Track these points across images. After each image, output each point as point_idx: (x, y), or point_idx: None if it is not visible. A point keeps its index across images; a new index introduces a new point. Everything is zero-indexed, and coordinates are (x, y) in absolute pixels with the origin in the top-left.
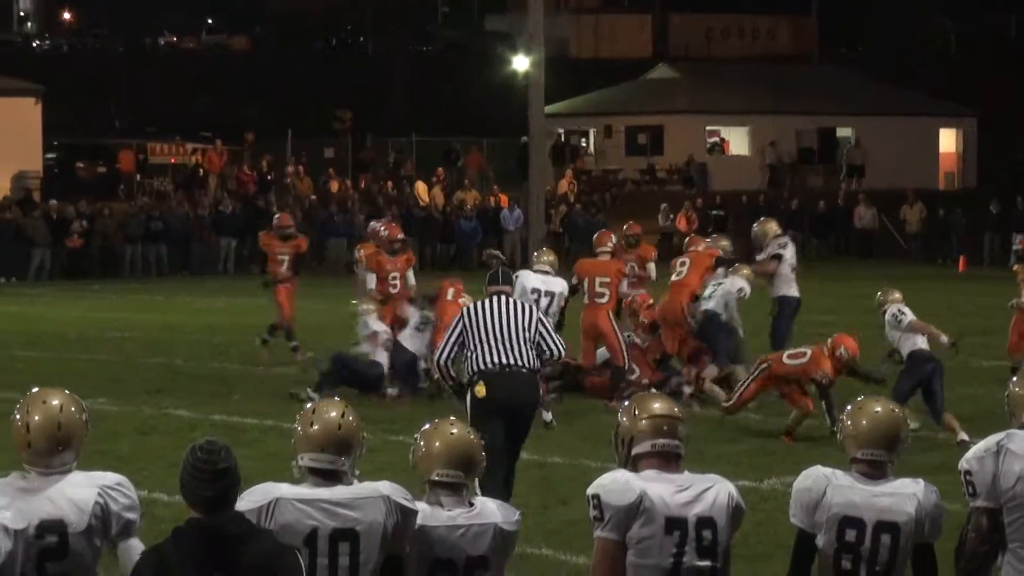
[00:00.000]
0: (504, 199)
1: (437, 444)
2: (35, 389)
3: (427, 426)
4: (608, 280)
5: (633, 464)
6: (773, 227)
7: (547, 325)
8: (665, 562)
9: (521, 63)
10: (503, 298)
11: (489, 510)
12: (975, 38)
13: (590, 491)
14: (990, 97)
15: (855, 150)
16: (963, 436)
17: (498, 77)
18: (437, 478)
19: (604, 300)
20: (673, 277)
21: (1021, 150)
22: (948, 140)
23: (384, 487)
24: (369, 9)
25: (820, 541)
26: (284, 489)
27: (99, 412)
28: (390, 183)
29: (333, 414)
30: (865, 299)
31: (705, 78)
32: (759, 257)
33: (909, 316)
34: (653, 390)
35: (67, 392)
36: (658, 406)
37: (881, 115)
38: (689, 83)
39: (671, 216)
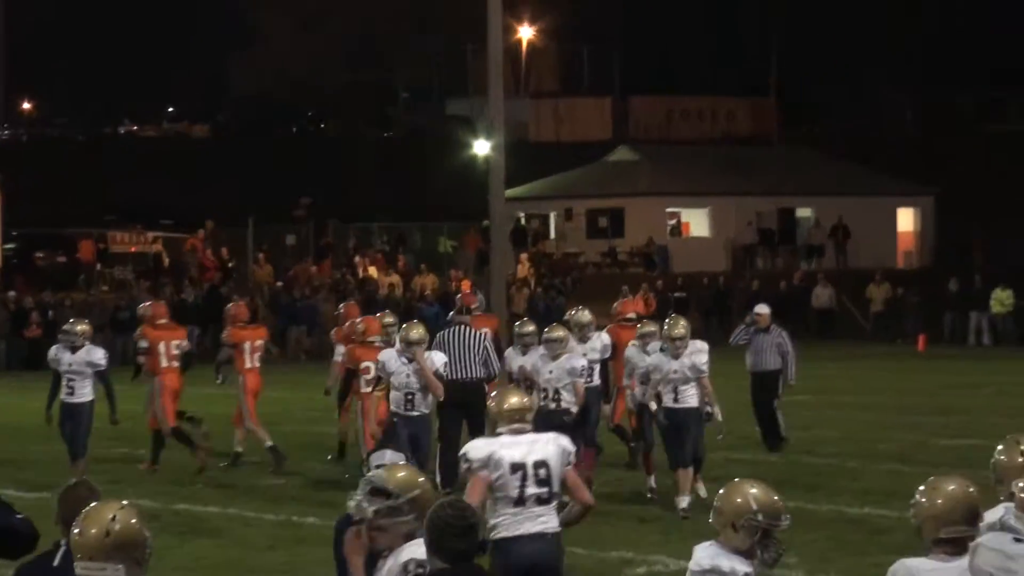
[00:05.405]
0: (466, 283)
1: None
2: None
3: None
4: None
5: None
6: None
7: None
8: None
9: (482, 147)
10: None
11: None
12: (932, 115)
13: None
14: (948, 175)
15: (815, 230)
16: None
17: (459, 161)
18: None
19: None
20: None
21: (979, 228)
22: (906, 219)
23: None
24: (330, 95)
25: None
26: None
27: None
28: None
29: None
30: (827, 379)
31: (665, 160)
32: None
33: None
34: None
35: None
36: None
37: (840, 195)
38: (649, 165)
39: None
